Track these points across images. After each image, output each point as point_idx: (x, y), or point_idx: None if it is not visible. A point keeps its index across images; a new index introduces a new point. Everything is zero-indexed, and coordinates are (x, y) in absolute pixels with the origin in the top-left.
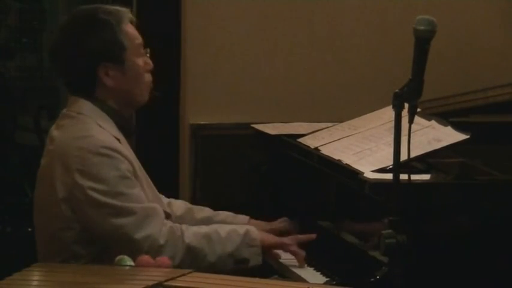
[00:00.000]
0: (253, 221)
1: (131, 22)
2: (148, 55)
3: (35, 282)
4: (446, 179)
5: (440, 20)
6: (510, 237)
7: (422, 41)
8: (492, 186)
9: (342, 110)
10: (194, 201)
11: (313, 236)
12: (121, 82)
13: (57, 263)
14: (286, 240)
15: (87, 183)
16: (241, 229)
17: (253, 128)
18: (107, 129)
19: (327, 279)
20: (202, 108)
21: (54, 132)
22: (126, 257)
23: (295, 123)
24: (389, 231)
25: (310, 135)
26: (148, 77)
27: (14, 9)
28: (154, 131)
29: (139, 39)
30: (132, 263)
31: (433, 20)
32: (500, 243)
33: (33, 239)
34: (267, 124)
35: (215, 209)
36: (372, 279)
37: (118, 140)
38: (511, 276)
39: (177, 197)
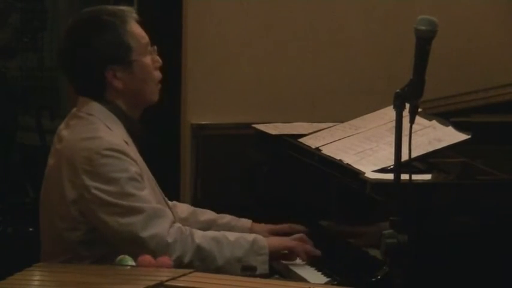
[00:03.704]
0: (255, 224)
1: (136, 21)
2: (156, 52)
3: (36, 282)
4: (447, 179)
5: (441, 20)
6: (510, 237)
7: (424, 41)
8: (493, 186)
9: (342, 110)
10: (195, 201)
11: (319, 253)
12: (130, 83)
13: (59, 263)
14: (294, 245)
15: (95, 184)
16: (249, 236)
17: (254, 128)
18: (115, 131)
19: (328, 279)
20: (204, 108)
21: (63, 131)
22: (127, 257)
23: (296, 123)
24: (390, 231)
25: (311, 135)
26: (157, 75)
27: (15, 9)
28: (156, 131)
29: (145, 38)
30: (133, 263)
31: (434, 20)
32: (500, 243)
33: (35, 239)
34: (268, 124)
35: (216, 208)
36: (373, 279)
37: (126, 143)
38: (511, 276)
39: (178, 197)
